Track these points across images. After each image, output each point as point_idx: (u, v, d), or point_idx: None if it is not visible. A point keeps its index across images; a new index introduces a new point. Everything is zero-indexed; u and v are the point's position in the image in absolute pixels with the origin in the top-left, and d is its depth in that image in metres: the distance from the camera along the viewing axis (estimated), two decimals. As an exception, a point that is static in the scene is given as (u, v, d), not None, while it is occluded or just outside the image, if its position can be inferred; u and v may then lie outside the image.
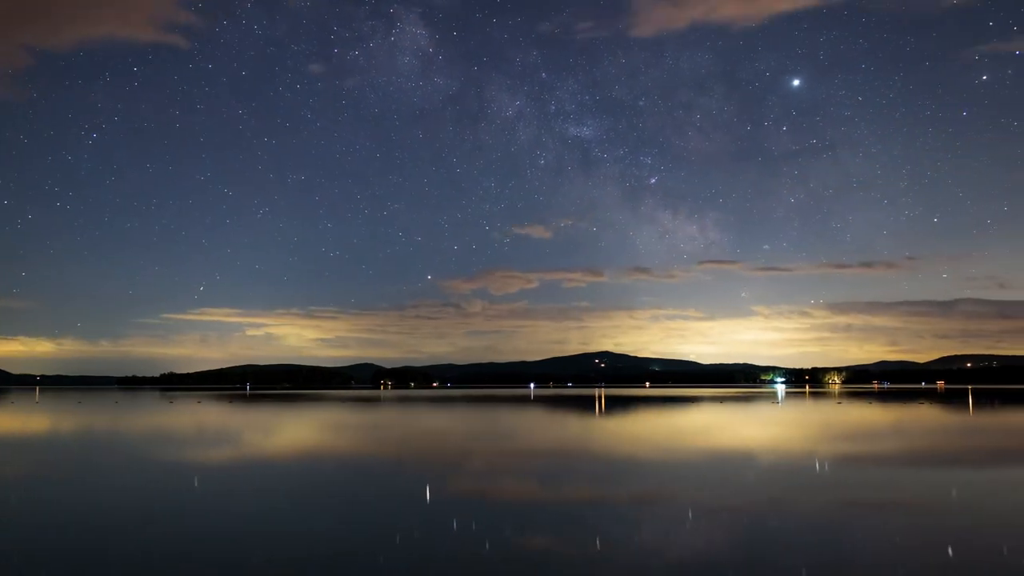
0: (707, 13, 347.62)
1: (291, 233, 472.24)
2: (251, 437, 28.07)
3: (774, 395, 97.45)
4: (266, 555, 8.97)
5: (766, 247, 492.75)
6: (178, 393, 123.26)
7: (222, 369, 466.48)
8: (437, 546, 9.38)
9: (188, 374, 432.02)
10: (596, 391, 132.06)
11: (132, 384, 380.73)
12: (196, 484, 15.22)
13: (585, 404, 62.21)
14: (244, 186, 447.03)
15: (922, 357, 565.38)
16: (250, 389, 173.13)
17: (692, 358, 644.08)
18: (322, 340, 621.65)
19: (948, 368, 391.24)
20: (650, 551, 9.11)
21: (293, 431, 31.93)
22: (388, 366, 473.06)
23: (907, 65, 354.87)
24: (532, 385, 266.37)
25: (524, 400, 75.11)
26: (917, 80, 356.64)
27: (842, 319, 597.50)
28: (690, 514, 11.58)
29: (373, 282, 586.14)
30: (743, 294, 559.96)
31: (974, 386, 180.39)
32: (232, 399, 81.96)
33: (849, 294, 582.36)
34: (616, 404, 62.08)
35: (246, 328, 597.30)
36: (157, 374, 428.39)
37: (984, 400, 68.21)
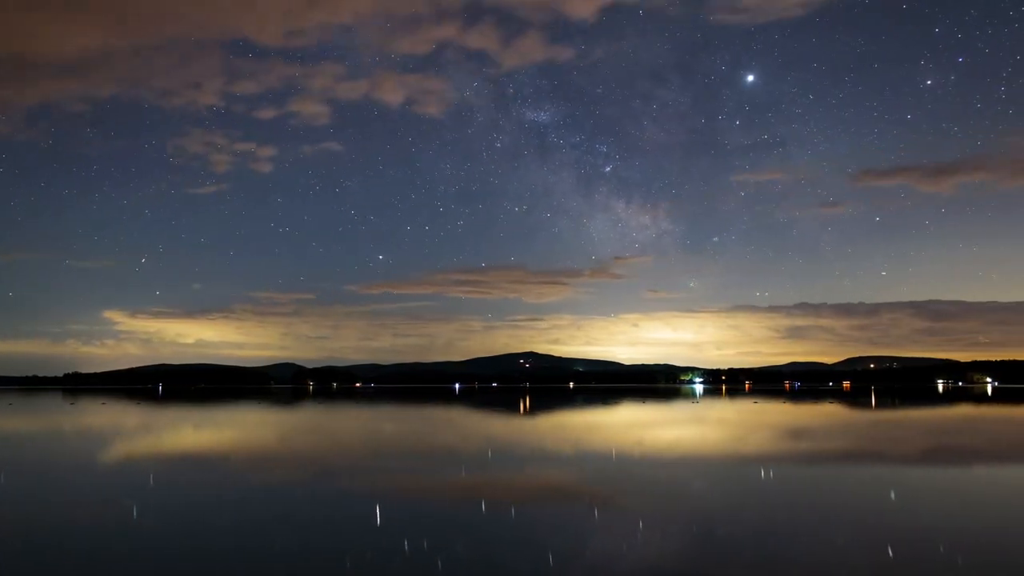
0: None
1: (239, 207, 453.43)
2: (139, 440, 26.71)
3: (692, 394, 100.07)
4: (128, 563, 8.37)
5: (715, 239, 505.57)
6: (83, 394, 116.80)
7: (133, 368, 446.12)
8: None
9: (95, 374, 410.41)
10: (522, 388, 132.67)
11: (32, 385, 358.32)
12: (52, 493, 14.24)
13: (510, 402, 62.32)
14: (191, 157, 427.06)
15: (830, 359, 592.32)
16: (162, 390, 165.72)
17: (615, 358, 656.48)
18: (242, 337, 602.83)
19: (853, 369, 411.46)
20: (580, 557, 8.95)
21: (187, 434, 30.58)
22: (310, 365, 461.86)
23: (857, 66, 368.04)
24: (457, 385, 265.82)
25: (448, 398, 74.75)
26: (866, 82, 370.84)
27: (763, 320, 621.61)
28: (623, 516, 11.51)
29: (324, 261, 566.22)
30: (691, 284, 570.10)
31: (876, 386, 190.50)
32: (140, 400, 78.20)
33: (790, 291, 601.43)
34: (540, 402, 62.40)
35: (164, 327, 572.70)
36: (60, 374, 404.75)
37: (885, 398, 72.05)
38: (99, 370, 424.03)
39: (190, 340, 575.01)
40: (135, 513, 11.41)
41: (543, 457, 19.73)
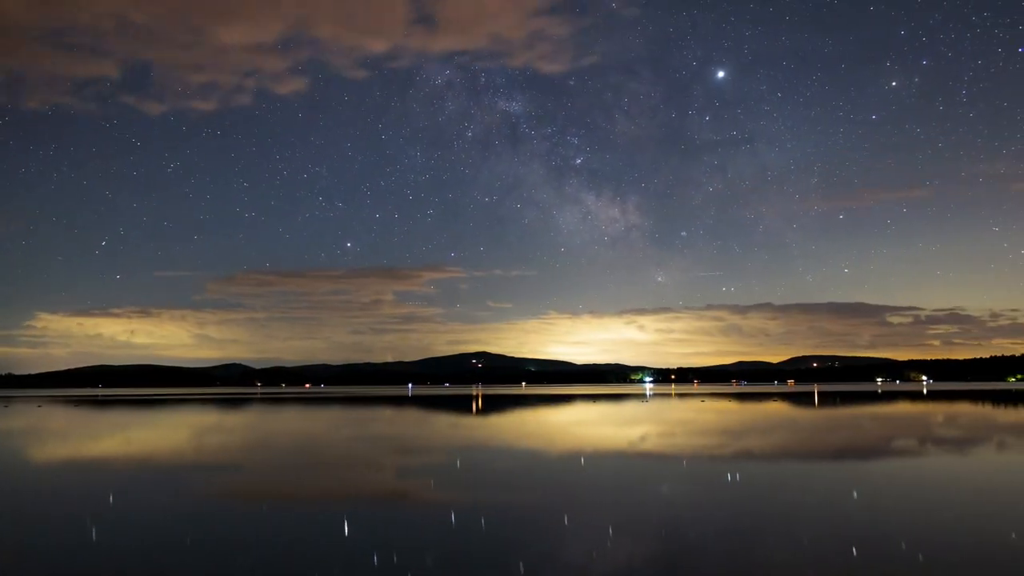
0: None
1: (204, 191, 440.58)
2: (60, 444, 25.92)
3: (642, 395, 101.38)
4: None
5: (683, 234, 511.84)
6: (16, 397, 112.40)
7: (71, 370, 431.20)
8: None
9: (30, 375, 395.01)
10: (474, 390, 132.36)
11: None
12: None
13: (462, 403, 62.20)
14: (155, 138, 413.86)
15: (775, 358, 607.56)
16: (102, 392, 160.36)
17: (568, 357, 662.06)
18: (187, 337, 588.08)
19: (797, 368, 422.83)
20: (531, 561, 9.05)
21: (110, 438, 29.80)
22: (257, 366, 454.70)
23: (825, 65, 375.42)
24: (410, 385, 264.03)
25: (402, 399, 74.13)
26: (833, 81, 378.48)
27: (713, 320, 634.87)
28: (585, 522, 11.66)
29: (290, 247, 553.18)
30: (659, 278, 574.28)
31: (819, 384, 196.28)
32: (78, 403, 75.68)
33: (755, 288, 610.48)
34: (493, 404, 62.46)
35: (106, 325, 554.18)
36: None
37: (828, 398, 74.27)
38: (35, 371, 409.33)
39: (132, 339, 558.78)
40: (22, 516, 11.12)
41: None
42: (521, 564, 8.15)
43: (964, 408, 48.19)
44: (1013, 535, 9.46)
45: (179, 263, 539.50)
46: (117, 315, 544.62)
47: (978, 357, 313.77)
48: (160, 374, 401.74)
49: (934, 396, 76.53)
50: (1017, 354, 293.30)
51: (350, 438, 27.18)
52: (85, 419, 43.89)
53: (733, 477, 15.22)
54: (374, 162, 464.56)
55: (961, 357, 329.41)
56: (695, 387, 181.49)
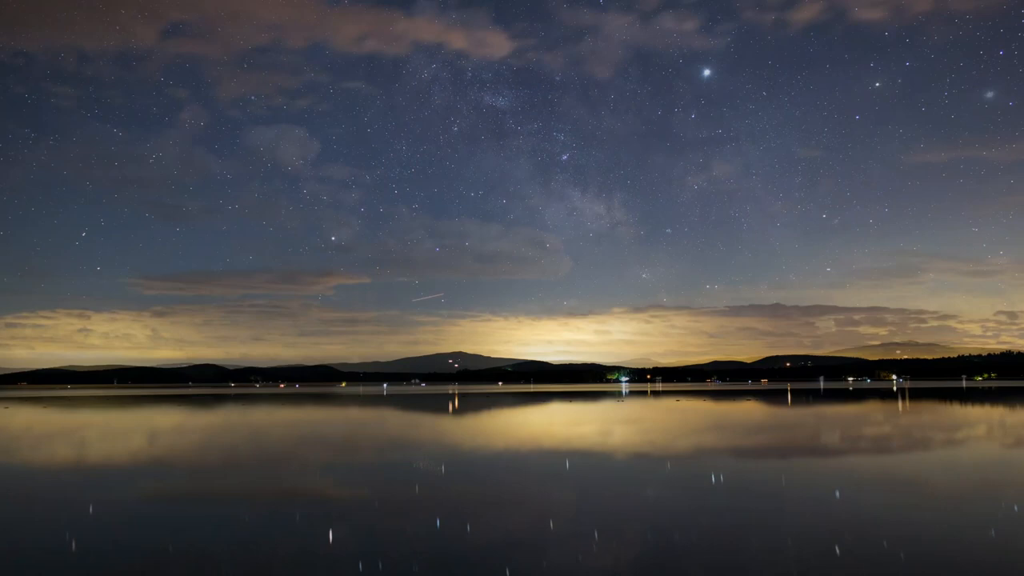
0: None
1: (187, 182, 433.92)
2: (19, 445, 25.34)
3: (618, 393, 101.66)
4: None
5: (668, 231, 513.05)
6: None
7: (39, 370, 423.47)
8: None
9: (8, 374, 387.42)
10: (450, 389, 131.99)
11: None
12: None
13: (441, 403, 61.95)
14: (136, 128, 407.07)
15: (750, 356, 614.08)
16: (72, 392, 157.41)
17: (545, 356, 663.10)
18: (160, 336, 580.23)
19: (771, 367, 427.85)
20: (508, 558, 8.91)
21: (66, 441, 29.22)
22: (231, 366, 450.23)
23: (809, 65, 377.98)
24: (385, 385, 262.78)
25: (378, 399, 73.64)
26: (817, 81, 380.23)
27: (693, 318, 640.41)
28: (561, 520, 11.54)
29: (274, 241, 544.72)
30: (644, 275, 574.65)
31: (792, 383, 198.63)
32: (46, 403, 74.11)
33: (739, 285, 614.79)
34: (469, 403, 62.26)
35: (80, 323, 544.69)
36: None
37: (800, 396, 75.15)
38: (10, 370, 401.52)
39: (100, 337, 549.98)
40: None
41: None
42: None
43: (922, 405, 48.99)
44: (993, 532, 9.52)
45: (154, 260, 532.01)
46: (90, 313, 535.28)
47: (946, 356, 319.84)
48: (133, 373, 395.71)
49: (902, 394, 77.73)
50: (984, 353, 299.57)
51: (318, 436, 26.91)
52: (47, 419, 42.96)
53: (708, 476, 15.22)
54: (359, 155, 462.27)
55: (934, 357, 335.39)
56: (671, 385, 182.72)
